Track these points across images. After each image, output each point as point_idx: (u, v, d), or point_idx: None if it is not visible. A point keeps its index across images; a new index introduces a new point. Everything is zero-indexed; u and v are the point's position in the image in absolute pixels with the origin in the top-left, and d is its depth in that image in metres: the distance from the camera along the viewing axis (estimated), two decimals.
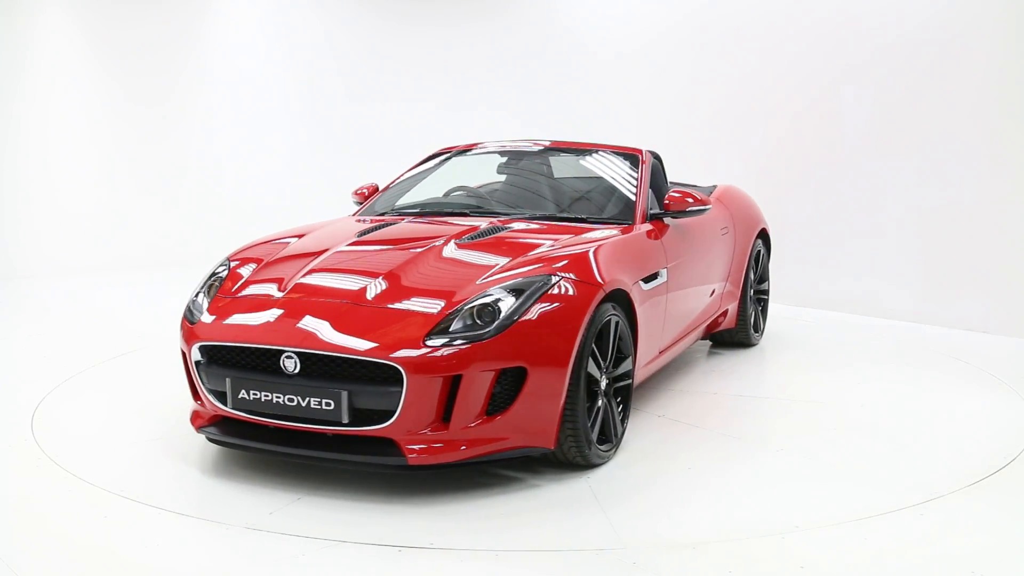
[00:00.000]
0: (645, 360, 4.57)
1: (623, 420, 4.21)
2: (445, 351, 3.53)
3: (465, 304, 3.69)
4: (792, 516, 3.59)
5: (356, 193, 5.61)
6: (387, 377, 3.54)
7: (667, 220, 4.97)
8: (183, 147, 10.29)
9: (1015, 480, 4.00)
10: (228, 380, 3.76)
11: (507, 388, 3.66)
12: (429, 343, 3.55)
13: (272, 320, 3.79)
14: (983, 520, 3.60)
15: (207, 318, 3.97)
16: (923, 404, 5.09)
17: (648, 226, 4.80)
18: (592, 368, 3.89)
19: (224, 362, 3.84)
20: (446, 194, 5.46)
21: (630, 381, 4.24)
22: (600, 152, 5.42)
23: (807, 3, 7.72)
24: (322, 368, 3.63)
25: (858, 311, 7.51)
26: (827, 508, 3.66)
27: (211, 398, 3.90)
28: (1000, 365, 5.86)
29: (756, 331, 6.39)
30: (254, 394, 3.69)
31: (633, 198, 4.94)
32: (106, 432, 4.53)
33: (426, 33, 10.24)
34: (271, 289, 4.01)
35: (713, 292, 5.60)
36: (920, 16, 7.08)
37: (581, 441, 3.83)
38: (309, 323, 3.72)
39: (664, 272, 4.66)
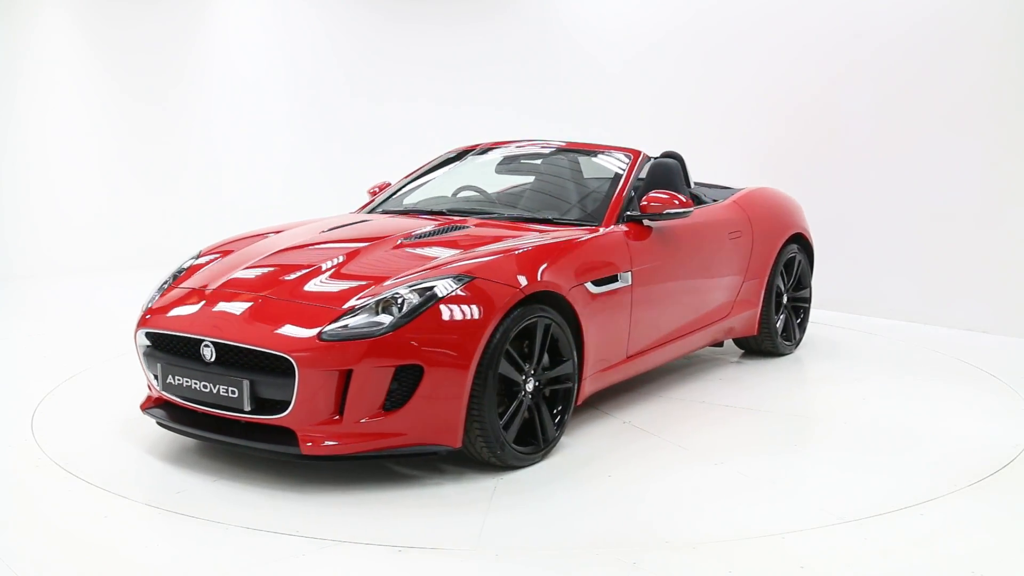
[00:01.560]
0: (603, 365, 4.53)
1: (560, 423, 4.20)
2: (336, 346, 3.63)
3: (369, 301, 3.79)
4: (792, 516, 3.60)
5: (369, 192, 5.86)
6: (284, 369, 3.68)
7: (650, 223, 4.87)
8: (184, 147, 10.29)
9: (1015, 480, 4.00)
10: (159, 365, 4.04)
11: (405, 385, 3.71)
12: (323, 337, 3.66)
13: (196, 311, 4.05)
14: (983, 520, 3.60)
15: (155, 306, 4.26)
16: (923, 404, 5.08)
17: (618, 228, 4.73)
18: (509, 370, 3.91)
19: (162, 348, 4.11)
20: (455, 193, 5.50)
21: (571, 384, 4.23)
22: (593, 153, 5.38)
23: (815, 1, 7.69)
24: (232, 358, 3.82)
25: (858, 311, 7.51)
26: (827, 508, 3.66)
27: (153, 382, 4.18)
28: (1000, 365, 5.86)
29: (789, 340, 6.08)
30: (178, 379, 3.96)
31: (608, 199, 4.90)
32: (106, 432, 4.52)
33: (429, 31, 10.22)
34: (209, 281, 4.26)
35: (715, 297, 5.44)
36: (915, 15, 7.08)
37: (492, 442, 3.86)
38: (226, 315, 3.95)
39: (628, 275, 4.58)
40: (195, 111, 10.33)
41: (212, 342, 3.85)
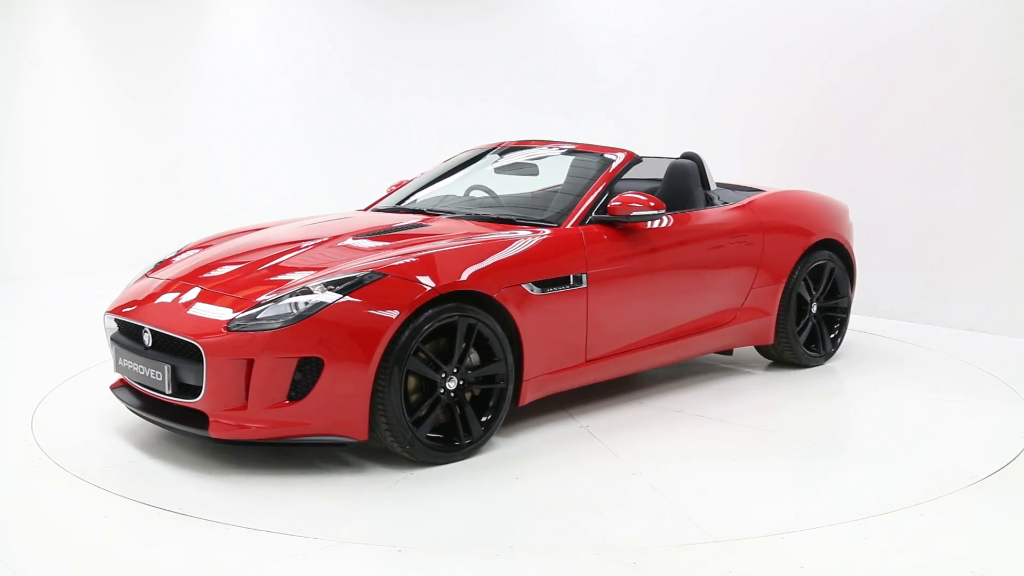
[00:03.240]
0: (555, 367, 4.50)
1: (488, 423, 4.21)
2: (239, 336, 3.82)
3: (283, 294, 3.95)
4: (792, 516, 3.60)
5: (388, 189, 5.93)
6: (197, 356, 3.90)
7: (625, 224, 4.79)
8: (184, 146, 10.28)
9: (1015, 480, 4.00)
10: (115, 347, 4.39)
11: (310, 377, 3.83)
12: (230, 328, 3.86)
13: (142, 299, 4.37)
14: (983, 520, 3.60)
15: (123, 293, 4.60)
16: (923, 404, 5.08)
17: (578, 229, 4.67)
18: (422, 367, 3.97)
19: (122, 331, 4.42)
20: (466, 192, 5.53)
21: (502, 385, 4.23)
22: (579, 152, 5.33)
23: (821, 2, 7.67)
24: (163, 343, 4.11)
25: (859, 311, 7.50)
26: (827, 508, 3.66)
27: (112, 362, 4.49)
28: (1000, 365, 5.86)
29: (816, 351, 5.75)
30: (125, 361, 4.29)
31: (575, 201, 4.85)
32: (106, 432, 4.52)
33: (430, 29, 10.22)
34: (171, 273, 4.54)
35: (710, 302, 5.24)
36: (916, 14, 7.08)
37: (400, 437, 3.93)
38: (164, 304, 4.23)
39: (583, 277, 4.54)
40: (195, 111, 10.32)
41: (150, 329, 4.14)
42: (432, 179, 5.68)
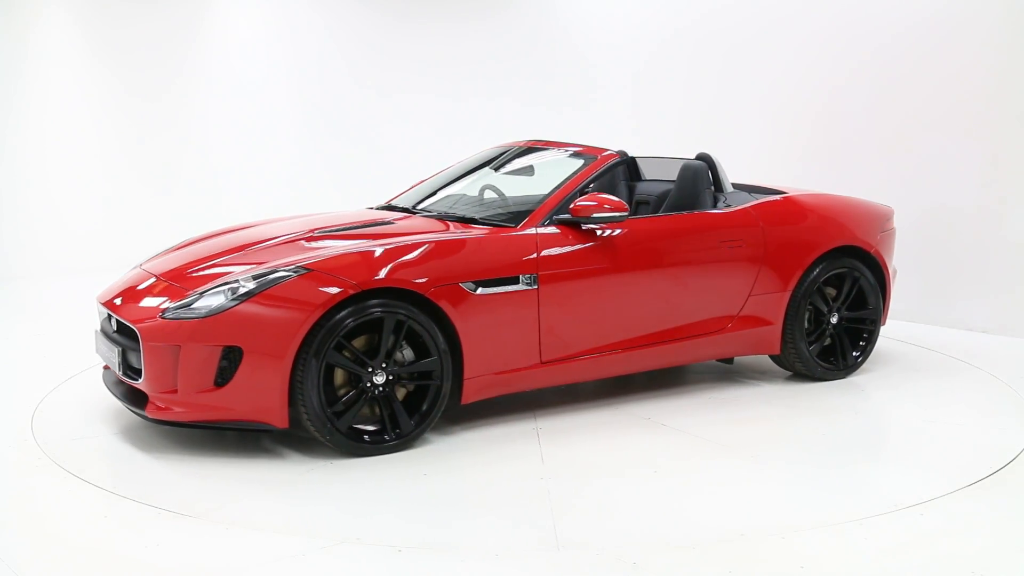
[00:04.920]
0: (504, 368, 4.51)
1: (423, 418, 4.28)
2: (169, 324, 4.09)
3: (220, 285, 4.18)
4: (792, 516, 3.60)
5: (411, 186, 5.98)
6: (138, 340, 4.18)
7: (589, 226, 4.74)
8: (184, 146, 10.28)
9: (1015, 480, 4.00)
10: (95, 333, 4.67)
11: (234, 364, 4.03)
12: (164, 315, 4.14)
13: (121, 287, 4.64)
14: (983, 520, 3.61)
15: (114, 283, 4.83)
16: (923, 404, 5.08)
17: (535, 230, 4.65)
18: (343, 360, 4.10)
19: (107, 318, 4.66)
20: (480, 192, 5.55)
21: (436, 382, 4.29)
22: (563, 151, 5.32)
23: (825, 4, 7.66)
24: (121, 328, 4.40)
25: None
26: (827, 508, 3.66)
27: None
28: (1000, 365, 5.86)
29: (833, 365, 5.42)
30: (100, 343, 4.59)
31: (540, 202, 4.84)
32: (106, 432, 4.53)
33: (431, 27, 10.22)
34: (151, 263, 4.82)
35: (694, 308, 5.05)
36: (917, 13, 7.08)
37: (319, 427, 4.09)
38: (129, 291, 4.53)
39: (532, 278, 4.53)
40: (195, 110, 10.31)
41: (114, 316, 4.44)
42: (450, 178, 5.69)
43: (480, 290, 4.39)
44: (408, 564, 3.20)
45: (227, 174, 10.53)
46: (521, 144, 5.72)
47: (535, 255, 4.58)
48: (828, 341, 5.45)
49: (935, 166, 7.08)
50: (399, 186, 6.43)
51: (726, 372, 5.66)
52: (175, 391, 4.08)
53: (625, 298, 4.84)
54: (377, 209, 5.52)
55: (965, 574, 3.13)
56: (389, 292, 4.19)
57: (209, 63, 10.35)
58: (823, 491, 3.87)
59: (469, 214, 5.02)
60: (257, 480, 3.94)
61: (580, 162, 5.16)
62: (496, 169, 5.57)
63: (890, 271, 5.75)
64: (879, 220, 5.74)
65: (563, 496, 3.78)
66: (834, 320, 5.42)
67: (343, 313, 4.07)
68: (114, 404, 4.87)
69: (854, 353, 5.52)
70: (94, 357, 5.76)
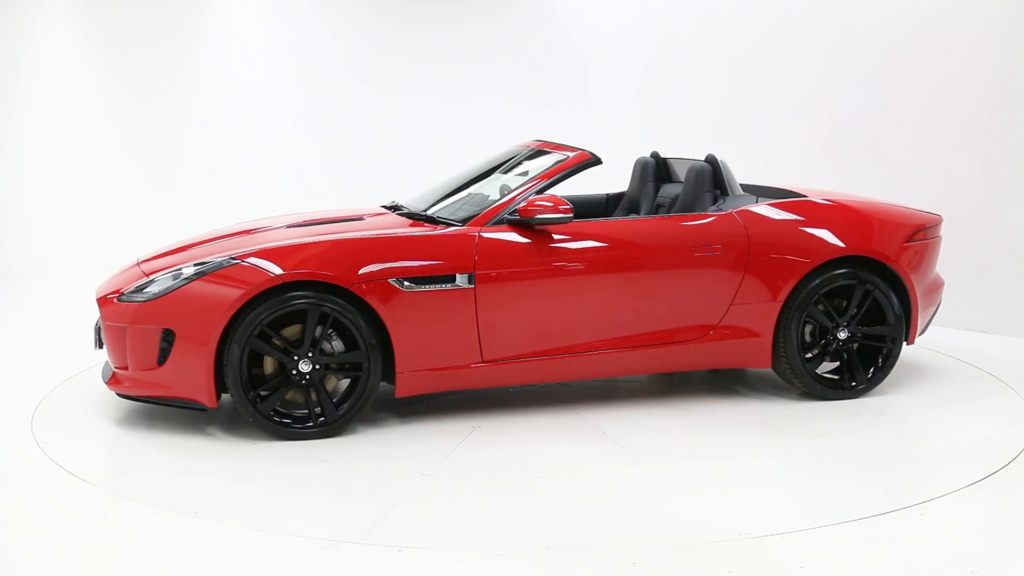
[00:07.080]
0: (442, 364, 4.55)
1: (350, 408, 4.45)
2: (119, 305, 4.46)
3: (167, 271, 4.50)
4: (792, 516, 3.60)
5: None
6: None
7: (540, 228, 4.70)
8: (184, 145, 10.28)
9: (1015, 480, 4.00)
10: (95, 328, 4.83)
11: (170, 346, 4.33)
12: (120, 298, 4.49)
13: (111, 283, 4.82)
14: (983, 520, 3.61)
15: None
16: (923, 404, 5.08)
17: (471, 230, 4.65)
18: (265, 347, 4.34)
19: None
20: (501, 191, 5.48)
21: (362, 374, 4.44)
22: (542, 153, 5.28)
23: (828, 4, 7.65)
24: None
25: None
26: (827, 508, 3.66)
27: None
28: (1000, 365, 5.86)
29: (836, 387, 5.05)
30: (96, 336, 4.81)
31: (493, 201, 4.84)
32: (105, 432, 4.53)
33: (431, 26, 10.21)
34: (148, 266, 4.92)
35: (662, 316, 4.85)
36: (913, 16, 7.08)
37: (244, 409, 4.36)
38: (117, 278, 4.82)
39: (468, 277, 4.55)
40: (195, 110, 10.31)
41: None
42: (464, 179, 5.60)
43: (410, 286, 4.47)
44: (408, 564, 3.20)
45: (227, 174, 10.53)
46: (530, 145, 5.70)
47: (472, 255, 4.59)
48: (839, 359, 5.07)
49: (934, 165, 7.07)
50: (399, 185, 6.44)
51: (727, 377, 5.66)
52: (124, 367, 4.46)
53: (578, 302, 4.75)
54: (381, 207, 5.52)
55: (965, 574, 3.13)
56: (317, 285, 4.37)
57: (209, 63, 10.35)
58: (823, 491, 3.87)
59: (431, 214, 4.96)
60: (257, 481, 3.94)
61: (551, 162, 5.09)
62: (505, 173, 5.55)
63: (922, 285, 5.31)
64: (904, 229, 5.22)
65: (563, 496, 3.78)
66: (842, 336, 5.03)
67: (268, 303, 4.29)
68: (114, 404, 4.88)
69: (871, 371, 5.10)
70: (94, 357, 5.76)
